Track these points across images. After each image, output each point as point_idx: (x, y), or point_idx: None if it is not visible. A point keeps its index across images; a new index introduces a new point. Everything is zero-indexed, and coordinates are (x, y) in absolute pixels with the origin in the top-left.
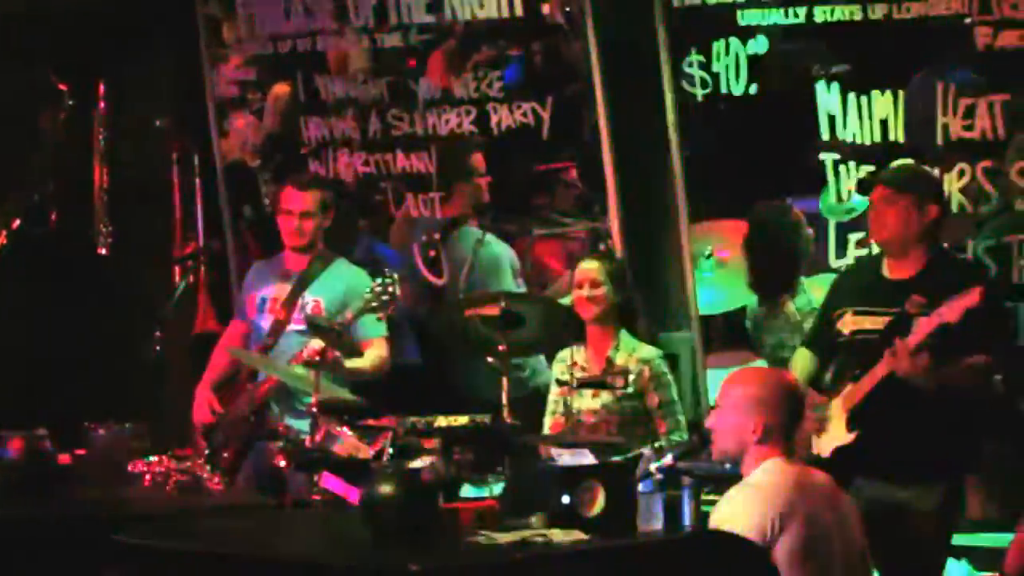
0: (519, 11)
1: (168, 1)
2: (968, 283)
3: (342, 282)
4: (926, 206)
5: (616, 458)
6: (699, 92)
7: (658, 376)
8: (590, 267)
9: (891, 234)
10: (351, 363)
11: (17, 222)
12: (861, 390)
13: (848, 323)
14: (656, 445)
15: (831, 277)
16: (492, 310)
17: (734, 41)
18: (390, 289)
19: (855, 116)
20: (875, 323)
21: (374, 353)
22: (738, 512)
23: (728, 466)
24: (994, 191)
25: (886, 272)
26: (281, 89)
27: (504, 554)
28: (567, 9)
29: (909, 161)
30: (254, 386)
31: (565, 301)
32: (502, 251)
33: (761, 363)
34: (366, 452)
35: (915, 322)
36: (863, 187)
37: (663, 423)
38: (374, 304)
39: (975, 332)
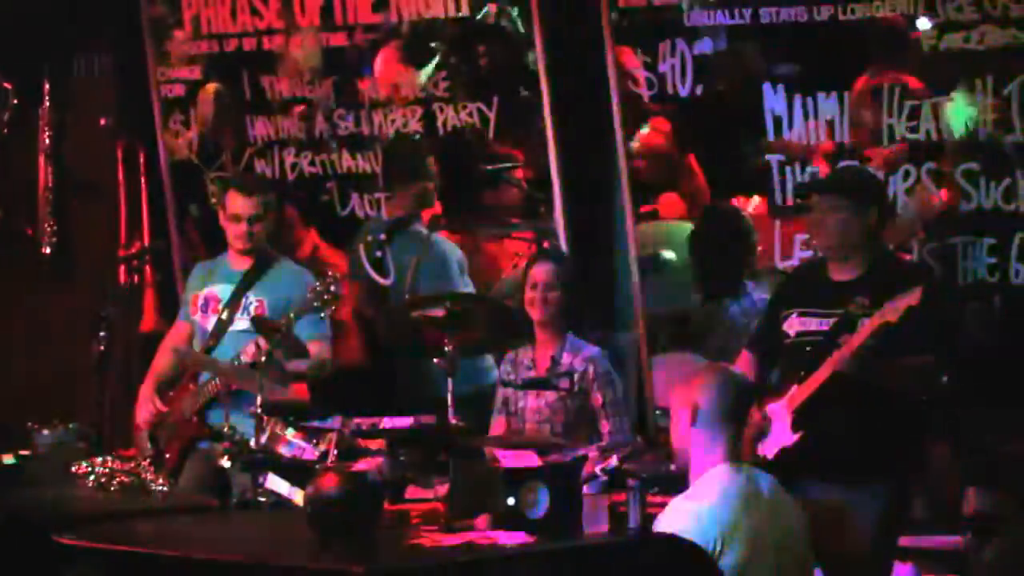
0: (464, 10)
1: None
2: (913, 284)
3: (286, 282)
4: (867, 210)
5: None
6: (645, 93)
7: (603, 375)
8: (545, 269)
9: (833, 240)
10: (292, 364)
11: None
12: (805, 391)
13: (793, 325)
14: (600, 445)
15: (777, 279)
16: (438, 311)
17: (680, 42)
18: (332, 288)
19: (801, 117)
20: (820, 325)
21: (315, 353)
22: (680, 529)
23: (673, 467)
24: (939, 193)
25: (830, 274)
26: (209, 88)
27: (449, 555)
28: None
29: (853, 163)
30: (197, 387)
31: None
32: (449, 250)
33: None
34: (311, 453)
35: (859, 323)
36: (800, 191)
37: (607, 422)
38: (315, 303)
39: (919, 332)
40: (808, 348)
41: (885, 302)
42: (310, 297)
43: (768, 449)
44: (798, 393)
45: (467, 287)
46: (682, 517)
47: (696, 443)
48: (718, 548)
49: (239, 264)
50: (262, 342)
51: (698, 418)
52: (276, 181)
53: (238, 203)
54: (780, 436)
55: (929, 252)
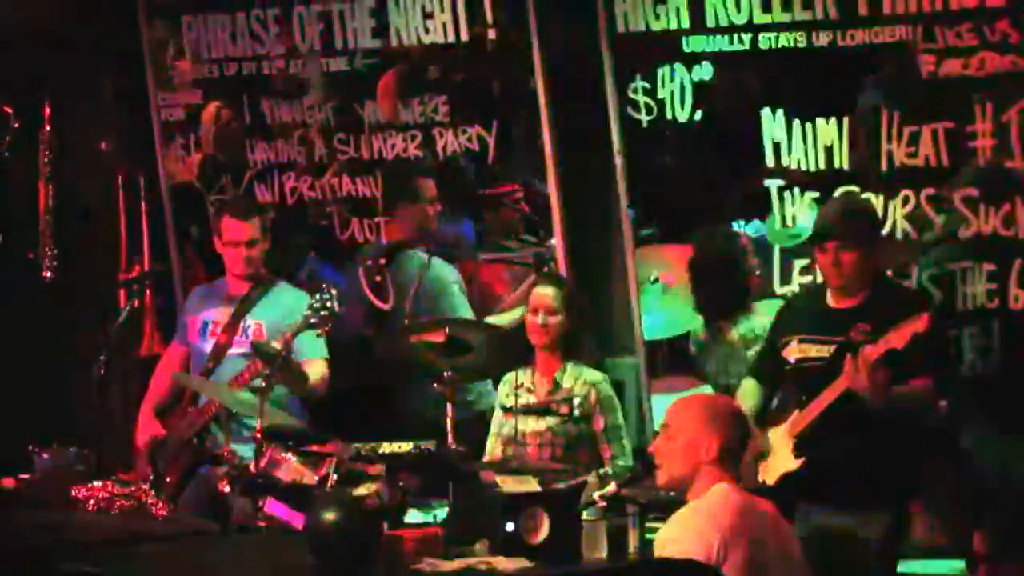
0: (464, 36)
1: (114, 23)
2: (912, 311)
3: (284, 305)
4: (879, 247)
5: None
6: (644, 118)
7: (604, 400)
8: (546, 293)
9: (850, 280)
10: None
11: None
12: (807, 417)
13: (794, 351)
14: (601, 471)
15: (777, 303)
16: (437, 336)
17: (679, 67)
18: (328, 304)
19: (800, 143)
20: (820, 351)
21: (313, 374)
22: (683, 535)
23: (672, 493)
24: (938, 218)
25: (830, 301)
26: (209, 111)
27: None
28: None
29: (853, 189)
30: (196, 410)
31: (503, 318)
32: (448, 274)
33: (706, 389)
34: (311, 478)
35: (863, 348)
36: (815, 240)
37: (608, 448)
38: (313, 320)
39: (920, 357)
40: (809, 374)
41: (889, 328)
42: (307, 315)
43: (770, 475)
44: (800, 419)
45: (466, 311)
46: (685, 526)
47: (708, 473)
48: (721, 554)
49: (237, 288)
50: (261, 366)
51: (718, 454)
52: (279, 204)
53: (234, 229)
54: (782, 462)
55: (928, 278)
